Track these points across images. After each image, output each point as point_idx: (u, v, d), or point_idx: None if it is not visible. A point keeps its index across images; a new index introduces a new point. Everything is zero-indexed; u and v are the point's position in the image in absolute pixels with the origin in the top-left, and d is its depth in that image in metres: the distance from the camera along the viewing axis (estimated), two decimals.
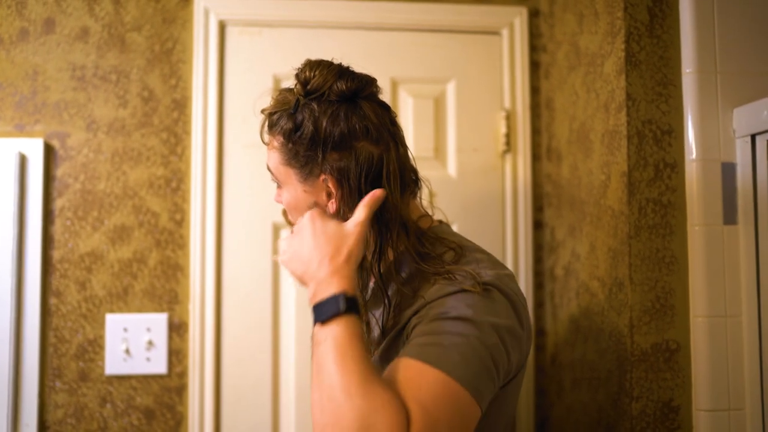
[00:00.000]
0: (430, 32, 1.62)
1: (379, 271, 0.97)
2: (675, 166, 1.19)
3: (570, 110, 1.46)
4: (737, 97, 1.18)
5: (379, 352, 0.96)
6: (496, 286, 0.89)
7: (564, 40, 1.51)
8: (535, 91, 1.64)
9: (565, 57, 1.49)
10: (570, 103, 1.46)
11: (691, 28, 1.18)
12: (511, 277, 0.95)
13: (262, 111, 1.02)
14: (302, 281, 0.92)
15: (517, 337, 0.89)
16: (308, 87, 0.96)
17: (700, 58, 1.18)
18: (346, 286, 0.86)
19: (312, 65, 0.97)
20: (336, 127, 0.93)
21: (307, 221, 0.93)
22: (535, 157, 1.63)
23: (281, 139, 0.98)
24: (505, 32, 1.63)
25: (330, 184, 0.96)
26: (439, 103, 1.62)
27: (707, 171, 1.16)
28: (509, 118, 1.62)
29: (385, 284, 0.97)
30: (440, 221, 1.08)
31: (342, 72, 0.97)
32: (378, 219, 0.95)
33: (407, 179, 1.00)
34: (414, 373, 0.80)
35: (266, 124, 1.02)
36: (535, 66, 1.64)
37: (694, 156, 1.17)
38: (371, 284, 1.02)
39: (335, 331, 0.82)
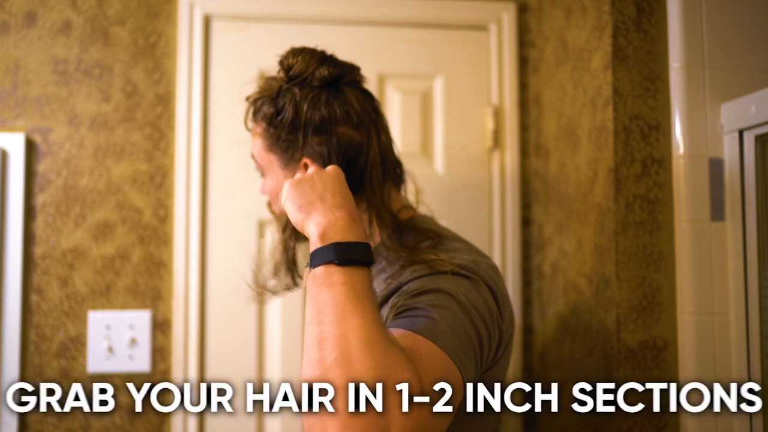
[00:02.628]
0: (418, 27, 1.60)
1: None
2: (662, 161, 1.18)
3: (558, 106, 1.45)
4: (725, 92, 1.17)
5: None
6: (473, 271, 0.86)
7: (552, 35, 1.49)
8: (523, 86, 1.63)
9: (553, 52, 1.48)
10: (558, 98, 1.45)
11: (679, 23, 1.17)
12: (492, 267, 0.93)
13: (247, 98, 1.04)
14: (304, 210, 0.80)
15: (497, 322, 0.86)
16: (291, 73, 0.97)
17: (687, 52, 1.16)
18: (364, 239, 0.78)
19: (295, 52, 0.99)
20: (316, 111, 0.94)
21: (316, 170, 0.86)
22: (523, 154, 1.61)
23: (263, 124, 0.99)
24: (493, 28, 1.61)
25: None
26: (426, 99, 1.60)
27: (695, 167, 1.15)
28: (497, 114, 1.60)
29: None
30: (424, 215, 1.07)
31: (324, 58, 0.98)
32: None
33: (389, 168, 0.99)
34: (412, 343, 0.74)
35: (250, 111, 1.03)
36: (523, 61, 1.63)
37: (681, 151, 1.16)
38: None
39: (356, 277, 0.72)
